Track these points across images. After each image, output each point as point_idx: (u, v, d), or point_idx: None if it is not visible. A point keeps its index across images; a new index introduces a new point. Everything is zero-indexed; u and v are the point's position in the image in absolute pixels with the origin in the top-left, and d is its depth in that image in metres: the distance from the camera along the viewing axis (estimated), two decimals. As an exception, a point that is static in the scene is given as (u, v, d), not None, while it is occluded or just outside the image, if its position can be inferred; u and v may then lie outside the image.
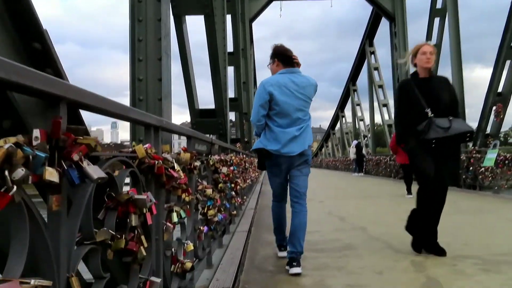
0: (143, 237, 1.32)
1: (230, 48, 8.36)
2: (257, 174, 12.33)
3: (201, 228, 2.50)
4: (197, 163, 2.23)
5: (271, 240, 3.69)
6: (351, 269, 2.73)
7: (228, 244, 3.59)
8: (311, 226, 4.37)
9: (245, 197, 6.63)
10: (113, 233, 1.13)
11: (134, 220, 1.23)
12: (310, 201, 3.92)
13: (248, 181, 7.21)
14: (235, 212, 4.59)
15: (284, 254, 2.87)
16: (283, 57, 2.87)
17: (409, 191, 7.10)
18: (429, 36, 12.81)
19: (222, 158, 3.50)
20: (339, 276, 2.60)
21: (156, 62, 2.41)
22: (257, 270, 2.80)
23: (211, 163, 2.92)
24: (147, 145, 1.47)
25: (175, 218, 1.76)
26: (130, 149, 1.41)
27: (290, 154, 2.75)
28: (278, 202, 3.07)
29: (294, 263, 2.63)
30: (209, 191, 2.68)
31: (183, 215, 1.98)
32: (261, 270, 2.78)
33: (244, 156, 6.33)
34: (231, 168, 4.22)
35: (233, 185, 4.47)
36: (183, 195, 1.94)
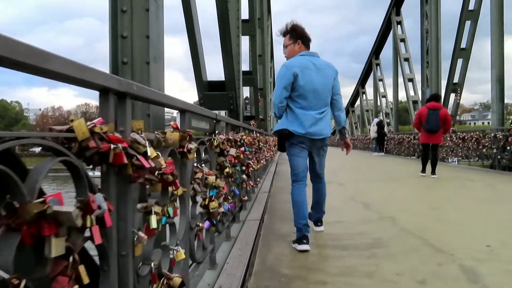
0: (82, 268, 0.82)
1: (244, 15, 7.73)
2: (272, 153, 11.84)
3: (200, 225, 2.02)
4: (193, 145, 1.72)
5: (285, 232, 3.22)
6: (384, 275, 2.22)
7: (237, 237, 3.13)
8: (332, 215, 3.87)
9: (258, 179, 6.15)
10: (5, 277, 0.64)
11: (54, 249, 0.73)
12: (329, 184, 3.45)
13: (262, 161, 6.71)
14: (246, 197, 4.11)
15: (305, 247, 2.67)
16: (306, 39, 2.91)
17: (423, 170, 7.20)
18: (466, 2, 11.78)
19: (231, 137, 2.98)
20: (371, 285, 2.09)
21: (143, 14, 1.86)
22: (270, 273, 2.32)
23: (215, 143, 2.41)
24: (96, 120, 0.97)
25: (154, 222, 1.27)
26: (67, 127, 0.90)
27: (312, 137, 2.83)
28: (299, 184, 2.92)
29: (319, 223, 3.18)
30: (211, 179, 2.18)
31: (171, 213, 1.50)
32: (274, 274, 2.30)
33: (258, 134, 5.81)
34: (242, 149, 3.72)
35: (244, 167, 3.98)
36: (171, 188, 1.45)
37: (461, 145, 10.58)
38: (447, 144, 11.43)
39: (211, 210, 2.21)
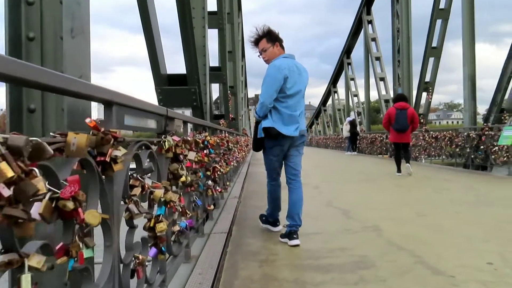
0: None
1: (212, 7, 7.21)
2: (244, 153, 11.37)
3: (140, 257, 1.50)
4: (120, 152, 1.20)
5: (256, 249, 2.75)
6: (378, 309, 1.78)
7: (199, 256, 2.62)
8: (309, 225, 3.43)
9: (228, 183, 5.66)
10: None
11: None
12: (304, 186, 3.08)
13: (232, 163, 6.22)
14: (212, 206, 3.61)
15: (278, 228, 3.16)
16: (281, 42, 3.02)
17: (399, 170, 7.22)
18: (437, 1, 11.71)
19: (189, 138, 2.47)
20: (363, 327, 1.64)
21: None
22: (235, 310, 1.83)
23: (165, 147, 1.90)
24: None
25: (26, 285, 0.75)
26: None
27: (294, 135, 2.92)
28: (275, 180, 3.12)
29: (294, 236, 2.83)
30: (158, 193, 1.67)
31: (89, 252, 1.01)
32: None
33: (227, 134, 5.31)
34: (206, 151, 3.21)
35: (208, 172, 3.48)
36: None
37: (433, 144, 10.48)
38: (419, 143, 11.33)
39: (158, 234, 1.70)
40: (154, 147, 1.83)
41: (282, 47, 3.04)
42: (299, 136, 2.97)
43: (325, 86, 30.49)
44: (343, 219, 3.70)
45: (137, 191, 1.44)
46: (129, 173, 1.47)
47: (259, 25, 3.02)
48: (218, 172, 4.35)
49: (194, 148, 2.74)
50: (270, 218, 3.24)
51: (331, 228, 3.35)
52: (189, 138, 2.46)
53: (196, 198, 2.79)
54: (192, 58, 3.63)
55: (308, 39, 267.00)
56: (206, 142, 3.17)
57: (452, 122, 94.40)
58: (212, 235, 3.25)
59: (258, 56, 3.09)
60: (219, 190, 4.21)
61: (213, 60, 8.62)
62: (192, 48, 3.59)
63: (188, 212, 2.35)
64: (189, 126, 2.82)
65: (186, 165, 2.32)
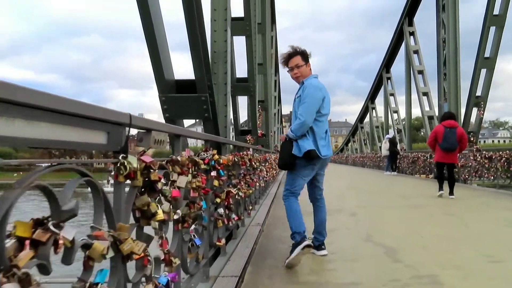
0: None
1: (238, 13, 6.69)
2: (275, 172, 10.66)
3: None
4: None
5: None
6: None
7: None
8: (344, 269, 2.69)
9: (250, 207, 4.98)
10: None
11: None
12: (339, 213, 2.33)
13: (257, 184, 5.55)
14: (222, 241, 2.94)
15: (308, 242, 2.83)
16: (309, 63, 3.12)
17: (441, 188, 6.87)
18: (490, 6, 10.64)
19: (180, 158, 1.85)
20: None
21: None
22: None
23: (123, 172, 1.27)
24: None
25: None
26: None
27: (330, 155, 3.08)
28: (296, 197, 3.06)
29: (322, 247, 3.09)
30: (98, 248, 1.05)
31: None
32: None
33: (249, 152, 4.66)
34: (213, 173, 2.57)
35: (218, 199, 2.83)
36: None
37: (487, 165, 9.31)
38: (470, 164, 10.17)
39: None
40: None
41: (311, 69, 3.13)
42: (328, 158, 3.09)
43: (361, 103, 29.42)
44: (388, 262, 2.90)
45: (27, 255, 0.80)
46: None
47: (295, 45, 3.12)
48: (237, 196, 3.72)
49: (193, 170, 2.11)
50: (298, 237, 2.86)
51: (372, 276, 2.58)
52: (179, 158, 1.83)
53: (193, 236, 2.14)
54: (202, 60, 3.04)
55: (344, 56, 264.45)
56: (212, 162, 2.53)
57: (499, 141, 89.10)
58: (219, 278, 2.58)
59: (288, 71, 3.13)
60: (235, 218, 3.55)
61: (242, 73, 8.10)
62: (200, 47, 3.00)
63: (174, 260, 1.70)
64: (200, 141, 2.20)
65: (172, 196, 1.69)
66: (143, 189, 1.43)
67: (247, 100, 8.52)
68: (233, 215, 3.46)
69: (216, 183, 2.75)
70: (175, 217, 1.84)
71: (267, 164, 8.48)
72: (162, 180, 1.64)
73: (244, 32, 6.77)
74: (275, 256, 3.08)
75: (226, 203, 3.11)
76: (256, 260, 3.05)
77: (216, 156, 2.59)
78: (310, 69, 3.08)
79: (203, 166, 2.25)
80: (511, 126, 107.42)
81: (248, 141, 7.70)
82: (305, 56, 3.06)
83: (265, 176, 7.53)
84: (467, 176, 10.34)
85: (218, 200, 2.82)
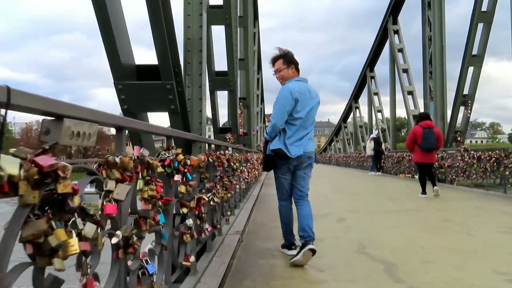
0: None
1: (217, 1, 6.15)
2: (257, 172, 10.16)
3: None
4: None
5: None
6: None
7: None
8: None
9: (229, 213, 4.46)
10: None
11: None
12: (325, 219, 1.91)
13: (237, 186, 5.04)
14: (191, 259, 2.41)
15: (294, 252, 2.87)
16: (297, 65, 3.13)
17: (423, 192, 6.86)
18: (478, 3, 10.39)
19: (122, 159, 1.32)
20: None
21: None
22: None
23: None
24: None
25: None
26: None
27: (299, 153, 2.96)
28: (286, 201, 3.09)
29: (310, 243, 2.75)
30: None
31: None
32: None
33: (227, 151, 4.14)
34: (177, 178, 2.05)
35: (185, 209, 2.30)
36: None
37: (475, 165, 9.04)
38: (457, 164, 9.90)
39: None
40: None
41: (297, 70, 3.12)
42: (305, 158, 3.01)
43: (343, 103, 29.23)
44: (389, 282, 2.44)
45: None
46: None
47: (281, 47, 3.14)
48: (212, 202, 3.20)
49: (144, 175, 1.59)
50: (286, 242, 3.13)
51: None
52: (118, 160, 1.30)
53: (145, 262, 1.61)
54: (167, 41, 2.49)
55: (327, 57, 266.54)
56: (176, 164, 2.01)
57: (476, 141, 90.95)
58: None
59: (273, 75, 3.18)
60: (209, 229, 3.03)
61: (222, 67, 7.53)
62: (163, 24, 2.43)
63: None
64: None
65: (104, 214, 1.16)
66: (39, 209, 0.90)
67: (228, 96, 7.93)
68: (206, 225, 2.94)
69: (182, 189, 2.23)
70: (113, 241, 1.33)
71: (248, 164, 7.98)
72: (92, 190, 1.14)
73: (223, 21, 6.22)
74: (254, 276, 2.58)
75: (197, 212, 2.60)
76: (232, 281, 2.54)
77: (181, 156, 2.06)
78: (296, 70, 3.10)
79: (160, 170, 1.72)
80: (487, 127, 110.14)
81: (228, 140, 7.17)
82: (287, 58, 3.08)
83: (246, 177, 7.03)
84: (454, 177, 10.08)
85: (184, 210, 2.30)
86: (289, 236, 3.09)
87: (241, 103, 9.71)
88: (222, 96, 9.19)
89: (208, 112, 6.51)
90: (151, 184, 1.62)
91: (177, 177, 2.05)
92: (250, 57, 10.63)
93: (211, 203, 3.17)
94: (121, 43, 2.39)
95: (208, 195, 3.06)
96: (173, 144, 2.10)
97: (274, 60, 3.11)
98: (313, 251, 2.70)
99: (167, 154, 1.96)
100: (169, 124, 3.63)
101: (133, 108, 2.60)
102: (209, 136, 6.05)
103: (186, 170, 2.19)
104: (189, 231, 2.38)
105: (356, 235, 3.81)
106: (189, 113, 4.03)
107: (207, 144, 3.26)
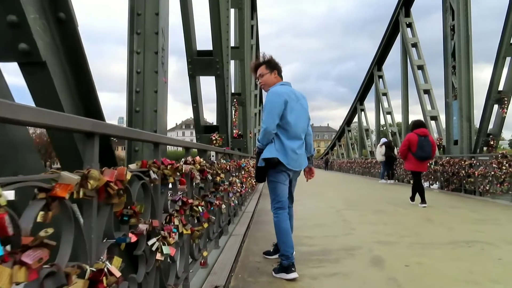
0: None
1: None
2: (253, 181, 8.59)
3: None
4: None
5: None
6: None
7: None
8: None
9: (204, 254, 2.85)
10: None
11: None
12: (353, 258, 1.82)
13: (223, 202, 3.46)
14: None
15: (295, 275, 2.67)
16: (280, 70, 3.09)
17: (412, 199, 6.97)
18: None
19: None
20: None
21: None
22: None
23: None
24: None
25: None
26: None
27: (296, 169, 2.96)
28: (284, 211, 2.91)
29: (292, 268, 2.70)
30: None
31: None
32: None
33: (199, 159, 2.57)
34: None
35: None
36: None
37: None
38: (490, 173, 8.32)
39: None
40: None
41: (280, 76, 3.08)
42: (299, 169, 3.02)
43: (341, 108, 27.82)
44: None
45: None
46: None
47: (265, 53, 3.13)
48: (183, 230, 1.63)
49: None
50: (285, 261, 2.72)
51: None
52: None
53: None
54: None
55: (323, 62, 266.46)
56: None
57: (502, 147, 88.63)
58: None
59: (256, 81, 3.20)
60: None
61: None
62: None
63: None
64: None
65: None
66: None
67: (215, 84, 6.08)
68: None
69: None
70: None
71: (243, 172, 6.40)
72: None
73: (237, 6, 4.65)
74: None
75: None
76: None
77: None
78: (279, 75, 3.05)
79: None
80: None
81: (215, 142, 5.59)
82: (270, 64, 3.05)
83: (239, 190, 5.45)
84: (487, 188, 8.48)
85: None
86: (290, 250, 2.76)
87: (235, 100, 8.13)
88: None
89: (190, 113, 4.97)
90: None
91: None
92: (246, 47, 9.04)
93: (181, 230, 1.60)
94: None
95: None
96: None
97: (257, 67, 3.10)
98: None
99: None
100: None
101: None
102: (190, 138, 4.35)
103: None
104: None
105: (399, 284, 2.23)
106: (137, 93, 2.48)
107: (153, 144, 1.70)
